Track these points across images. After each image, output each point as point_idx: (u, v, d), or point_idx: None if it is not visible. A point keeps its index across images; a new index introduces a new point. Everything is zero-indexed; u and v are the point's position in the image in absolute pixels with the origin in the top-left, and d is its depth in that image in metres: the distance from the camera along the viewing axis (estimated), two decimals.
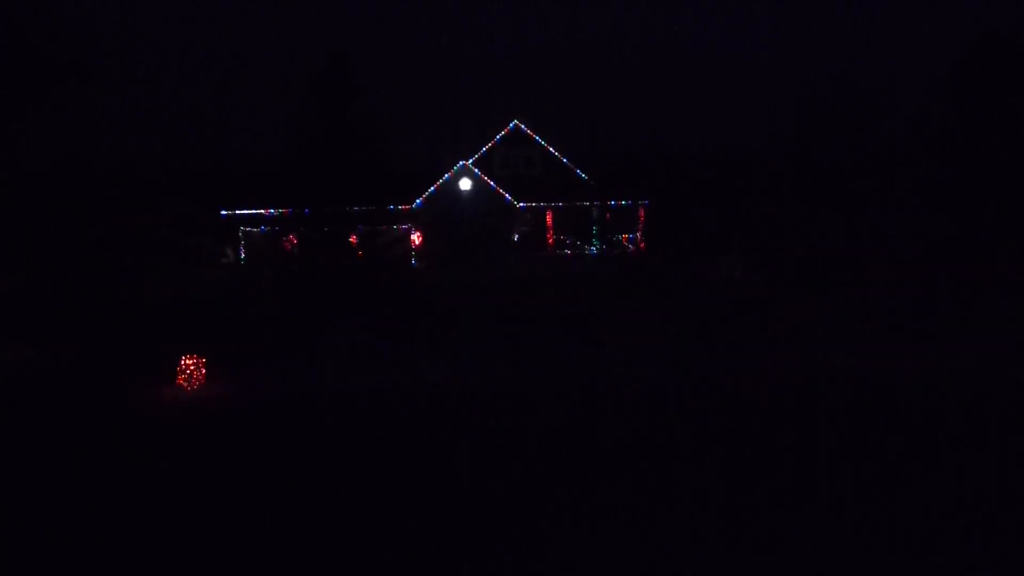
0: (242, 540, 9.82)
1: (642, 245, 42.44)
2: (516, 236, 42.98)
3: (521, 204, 42.47)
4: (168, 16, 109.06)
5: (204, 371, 17.57)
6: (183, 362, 17.40)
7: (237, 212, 40.39)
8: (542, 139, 46.13)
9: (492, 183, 42.02)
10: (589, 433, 13.62)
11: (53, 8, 25.88)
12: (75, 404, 16.45)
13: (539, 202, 43.56)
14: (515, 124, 46.33)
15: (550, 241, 43.63)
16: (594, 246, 42.74)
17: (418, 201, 41.30)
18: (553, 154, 45.74)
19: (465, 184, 41.85)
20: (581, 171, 45.35)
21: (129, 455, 13.14)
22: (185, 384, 17.30)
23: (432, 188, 41.53)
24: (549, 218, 43.96)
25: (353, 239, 26.64)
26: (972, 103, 29.41)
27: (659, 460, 12.15)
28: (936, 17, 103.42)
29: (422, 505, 10.65)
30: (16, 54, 26.74)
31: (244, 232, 40.82)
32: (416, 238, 41.10)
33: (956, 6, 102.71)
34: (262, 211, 33.83)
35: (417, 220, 41.38)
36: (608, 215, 43.44)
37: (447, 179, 41.79)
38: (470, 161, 42.94)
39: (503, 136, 46.16)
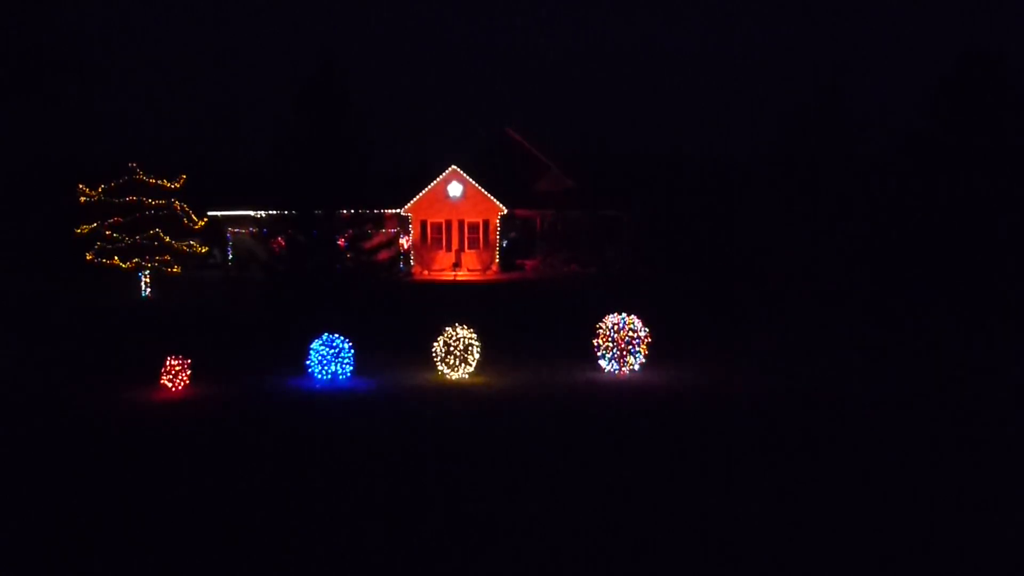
0: (232, 538, 9.79)
1: (632, 256, 42.25)
2: (505, 242, 42.92)
3: (510, 210, 42.30)
4: (160, 16, 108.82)
5: (189, 372, 17.48)
6: (168, 363, 17.30)
7: (225, 213, 40.23)
8: (532, 146, 46.09)
9: (482, 189, 41.94)
10: None
11: (43, 2, 25.74)
12: (62, 403, 16.36)
13: (529, 208, 43.33)
14: (506, 130, 46.34)
15: (539, 248, 43.47)
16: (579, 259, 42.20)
17: (407, 205, 41.23)
18: (543, 161, 45.65)
19: (455, 189, 41.78)
20: (571, 179, 45.30)
21: (111, 455, 13.09)
22: (170, 385, 17.20)
23: (421, 192, 41.44)
24: (538, 225, 43.84)
25: (341, 242, 26.51)
26: (958, 121, 29.55)
27: None
28: (924, 33, 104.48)
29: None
30: (5, 48, 26.54)
31: (232, 233, 40.66)
32: (405, 242, 41.01)
33: (945, 23, 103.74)
34: (250, 212, 33.68)
35: (406, 223, 41.33)
36: (597, 223, 43.25)
37: (437, 184, 41.71)
38: (460, 166, 42.91)
39: (494, 142, 46.14)
